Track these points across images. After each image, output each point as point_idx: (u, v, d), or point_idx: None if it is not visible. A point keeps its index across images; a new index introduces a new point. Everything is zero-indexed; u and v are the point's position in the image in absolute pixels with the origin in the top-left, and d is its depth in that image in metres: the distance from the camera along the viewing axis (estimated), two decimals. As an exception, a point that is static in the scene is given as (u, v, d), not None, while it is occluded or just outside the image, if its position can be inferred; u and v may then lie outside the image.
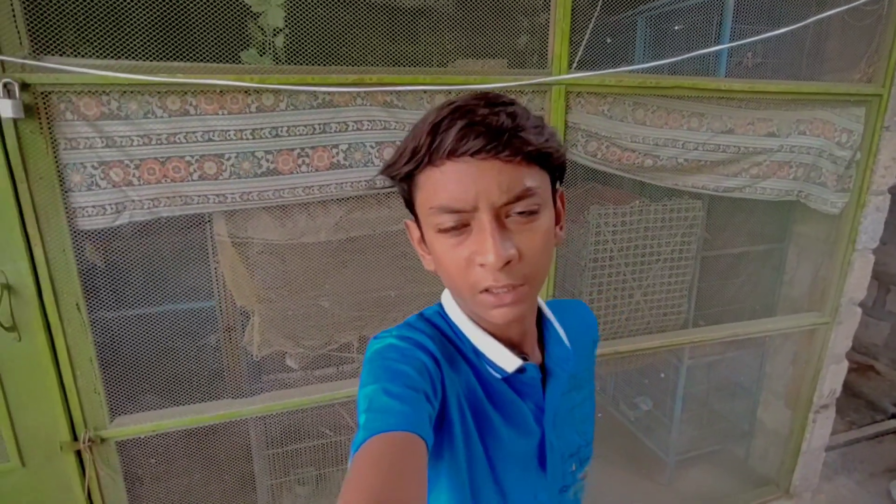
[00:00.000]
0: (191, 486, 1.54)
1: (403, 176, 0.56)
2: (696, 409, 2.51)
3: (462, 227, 0.54)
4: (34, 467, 1.36)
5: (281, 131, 1.36)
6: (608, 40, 1.54)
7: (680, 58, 1.46)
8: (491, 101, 0.53)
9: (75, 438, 1.37)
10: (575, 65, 1.59)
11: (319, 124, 1.39)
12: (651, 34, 2.21)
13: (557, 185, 0.61)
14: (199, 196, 1.34)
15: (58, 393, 1.33)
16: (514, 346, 0.65)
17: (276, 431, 1.74)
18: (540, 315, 0.70)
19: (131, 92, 1.23)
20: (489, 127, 0.51)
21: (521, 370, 0.63)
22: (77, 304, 1.30)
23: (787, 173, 1.93)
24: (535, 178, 0.54)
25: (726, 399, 2.61)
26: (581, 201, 1.77)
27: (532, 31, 1.55)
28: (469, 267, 0.55)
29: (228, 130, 1.32)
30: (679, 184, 1.80)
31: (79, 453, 1.38)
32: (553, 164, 0.57)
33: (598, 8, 1.66)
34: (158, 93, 1.24)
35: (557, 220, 0.62)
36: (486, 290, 0.55)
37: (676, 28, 2.07)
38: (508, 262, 0.53)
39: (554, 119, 1.54)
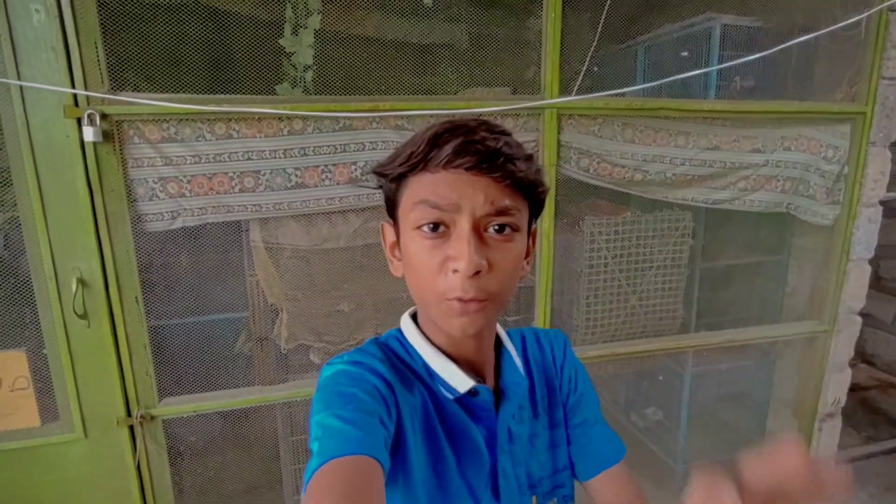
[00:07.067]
0: (224, 463, 1.74)
1: (395, 176, 0.59)
2: (705, 418, 2.58)
3: (440, 231, 0.57)
4: (94, 438, 1.58)
5: (308, 151, 1.59)
6: (595, 69, 1.72)
7: (654, 84, 1.64)
8: (489, 126, 0.57)
9: (129, 415, 1.59)
10: (575, 91, 1.79)
11: (340, 145, 1.62)
12: (648, 63, 2.41)
13: (533, 224, 0.65)
14: (239, 206, 1.58)
15: (116, 374, 1.55)
16: (471, 369, 0.67)
17: (300, 419, 1.93)
18: (498, 342, 0.72)
19: (186, 120, 1.49)
20: (487, 148, 0.55)
21: (473, 392, 0.65)
22: (136, 297, 1.54)
23: (775, 186, 2.05)
24: (517, 203, 0.58)
25: (736, 408, 2.67)
26: (577, 213, 1.94)
27: (529, 63, 1.76)
28: (441, 272, 0.57)
29: (264, 151, 1.56)
30: (668, 196, 1.95)
31: (132, 428, 1.60)
32: (535, 198, 0.61)
33: (595, 41, 1.87)
34: (208, 120, 1.50)
35: (527, 255, 0.64)
36: (453, 299, 0.56)
37: (670, 56, 2.25)
38: (478, 273, 0.55)
39: (547, 137, 1.73)
